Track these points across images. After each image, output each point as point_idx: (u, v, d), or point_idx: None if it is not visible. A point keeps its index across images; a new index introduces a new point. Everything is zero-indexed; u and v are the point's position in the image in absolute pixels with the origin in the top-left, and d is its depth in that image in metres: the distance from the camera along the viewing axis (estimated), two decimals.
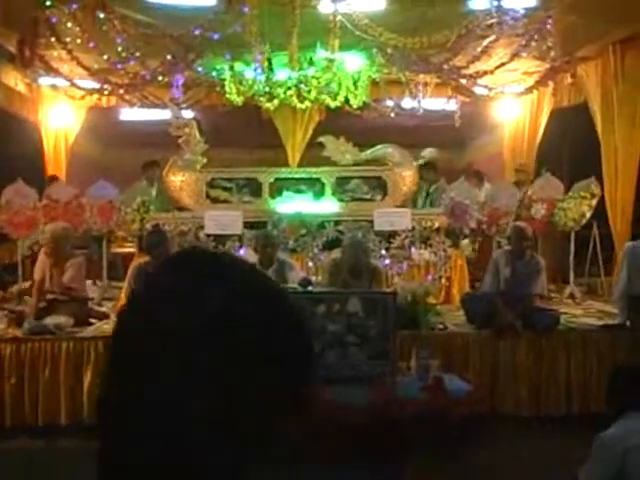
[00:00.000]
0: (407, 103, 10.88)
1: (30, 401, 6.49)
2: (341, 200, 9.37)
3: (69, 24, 8.25)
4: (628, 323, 6.89)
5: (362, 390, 5.35)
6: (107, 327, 7.15)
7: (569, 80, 9.99)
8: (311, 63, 9.77)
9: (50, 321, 6.80)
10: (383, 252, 8.55)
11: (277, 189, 9.42)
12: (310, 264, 8.53)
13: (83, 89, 10.10)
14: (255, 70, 9.57)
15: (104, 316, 7.49)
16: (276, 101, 10.06)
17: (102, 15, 8.16)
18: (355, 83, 10.37)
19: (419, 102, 10.68)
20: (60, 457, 5.92)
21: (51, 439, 6.30)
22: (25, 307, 7.45)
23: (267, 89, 9.95)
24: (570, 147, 11.75)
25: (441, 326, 6.97)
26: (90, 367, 6.53)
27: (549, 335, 6.77)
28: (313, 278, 7.74)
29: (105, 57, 8.91)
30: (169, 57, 9.17)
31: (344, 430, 4.83)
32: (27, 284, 8.15)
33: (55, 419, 6.48)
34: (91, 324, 7.24)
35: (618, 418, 3.33)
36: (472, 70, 9.46)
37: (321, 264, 8.37)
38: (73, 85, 9.95)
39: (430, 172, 10.57)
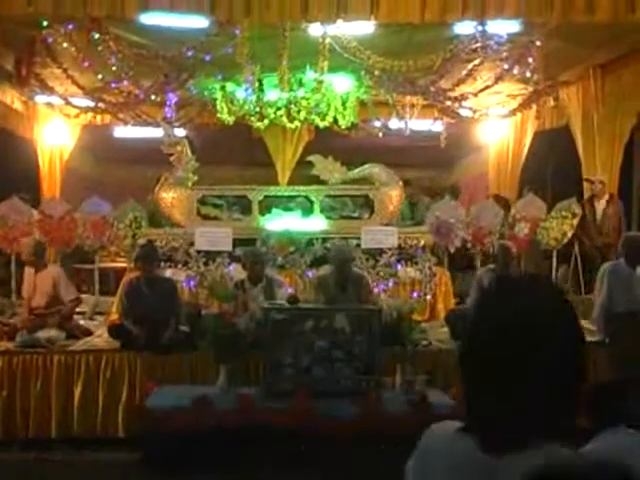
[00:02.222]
0: (394, 124, 10.92)
1: (21, 414, 6.46)
2: (329, 218, 9.37)
3: (65, 44, 8.26)
4: (607, 340, 6.92)
5: (348, 405, 5.35)
6: (97, 341, 7.15)
7: (552, 103, 10.06)
8: (301, 84, 9.79)
9: (42, 334, 6.79)
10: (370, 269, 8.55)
11: (267, 207, 9.41)
12: (298, 281, 8.53)
13: (78, 107, 10.11)
14: (246, 90, 9.60)
15: (88, 332, 7.44)
16: (266, 121, 10.07)
17: (97, 36, 8.17)
18: (344, 104, 10.40)
19: (406, 123, 10.72)
20: (51, 470, 5.88)
21: (42, 452, 6.24)
22: (18, 320, 7.43)
23: (258, 109, 9.96)
24: (553, 168, 11.83)
25: (425, 342, 6.97)
26: (81, 380, 6.52)
27: None
28: (301, 295, 7.74)
29: (100, 76, 8.93)
30: (162, 77, 9.19)
31: None
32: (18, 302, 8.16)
33: (46, 432, 6.44)
34: (78, 338, 7.20)
35: (597, 434, 3.33)
36: (457, 92, 9.52)
37: (309, 280, 8.37)
38: (68, 103, 9.97)
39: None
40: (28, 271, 7.52)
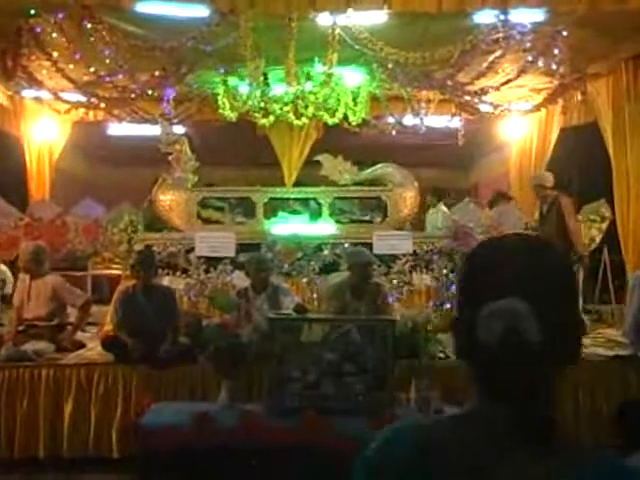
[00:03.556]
0: (409, 120, 10.94)
1: (6, 433, 6.45)
2: (339, 222, 9.38)
3: (54, 34, 8.26)
4: None
5: (359, 422, 5.35)
6: (90, 354, 7.15)
7: (579, 97, 10.05)
8: (309, 78, 9.82)
9: (29, 347, 6.80)
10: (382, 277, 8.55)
11: (272, 209, 9.43)
12: (306, 289, 8.54)
13: (69, 102, 10.13)
14: (250, 85, 9.62)
15: (79, 345, 7.44)
16: (272, 117, 10.10)
17: (89, 25, 8.17)
18: (354, 99, 10.43)
19: (421, 119, 10.74)
20: None
21: (29, 474, 6.24)
22: (3, 331, 7.46)
23: (262, 105, 10.00)
24: (580, 167, 11.80)
25: (442, 355, 6.95)
26: (71, 396, 6.51)
27: None
28: (309, 304, 7.74)
29: (92, 69, 8.92)
30: (160, 70, 9.21)
31: None
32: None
33: (33, 452, 6.43)
34: (69, 350, 7.20)
35: (632, 453, 3.32)
36: (477, 87, 9.50)
37: (318, 289, 8.38)
38: (58, 98, 9.97)
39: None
40: (22, 277, 7.52)
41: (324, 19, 8.30)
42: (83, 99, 9.90)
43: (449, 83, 9.34)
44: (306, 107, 9.98)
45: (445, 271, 8.73)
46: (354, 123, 10.63)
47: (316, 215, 9.42)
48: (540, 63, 8.92)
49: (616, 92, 9.68)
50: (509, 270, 1.39)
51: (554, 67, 8.97)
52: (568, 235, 8.77)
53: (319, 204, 9.45)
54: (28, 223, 8.73)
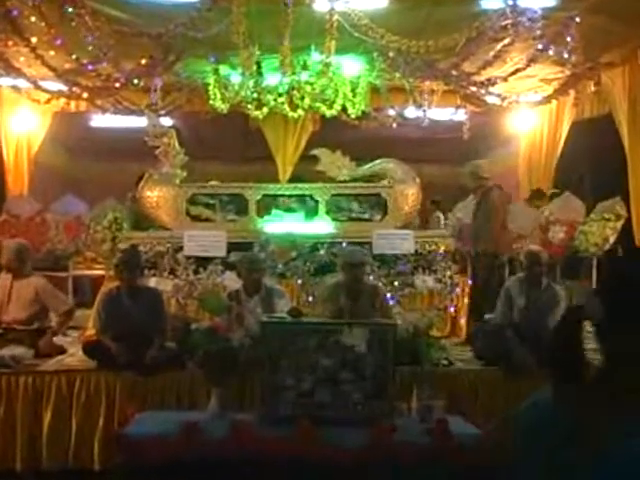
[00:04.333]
0: (411, 113, 10.96)
1: None
2: (336, 220, 9.37)
3: (33, 18, 8.22)
4: None
5: (357, 433, 5.34)
6: (71, 360, 7.13)
7: (592, 88, 10.06)
8: (305, 67, 9.82)
9: (7, 352, 6.76)
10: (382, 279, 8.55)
11: (265, 207, 9.42)
12: (301, 291, 8.53)
13: (49, 92, 10.13)
14: (242, 74, 9.61)
15: (59, 350, 7.40)
16: (265, 109, 10.11)
17: (71, 9, 8.13)
18: (353, 90, 10.44)
19: (424, 112, 10.76)
20: None
21: None
22: None
23: (255, 95, 10.00)
24: (593, 163, 11.81)
25: (446, 362, 6.95)
26: (51, 405, 6.46)
27: None
28: (304, 307, 7.73)
29: (74, 56, 8.89)
30: (146, 58, 9.20)
31: None
32: None
33: (10, 464, 6.38)
34: (48, 356, 7.15)
35: None
36: (484, 77, 9.51)
37: (313, 291, 8.37)
38: (37, 87, 9.97)
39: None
40: (4, 277, 7.47)
41: (321, 4, 8.30)
42: (64, 88, 9.89)
43: (454, 73, 9.35)
44: (302, 98, 9.99)
45: (449, 273, 8.72)
46: (353, 115, 10.64)
47: (312, 213, 9.42)
48: (551, 52, 8.91)
49: (632, 82, 9.68)
50: None
51: (566, 56, 8.96)
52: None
53: (315, 201, 9.44)
54: (5, 220, 8.72)
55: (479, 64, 9.22)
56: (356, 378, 5.68)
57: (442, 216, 11.77)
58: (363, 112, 10.78)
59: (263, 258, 8.14)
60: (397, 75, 9.93)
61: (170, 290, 8.34)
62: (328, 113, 10.33)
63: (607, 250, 9.03)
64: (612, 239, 9.01)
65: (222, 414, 5.76)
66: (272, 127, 10.63)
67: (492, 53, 9.01)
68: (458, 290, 8.72)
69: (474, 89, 9.86)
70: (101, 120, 12.29)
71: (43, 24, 8.28)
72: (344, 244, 8.73)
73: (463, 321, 8.64)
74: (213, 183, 9.91)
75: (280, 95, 9.98)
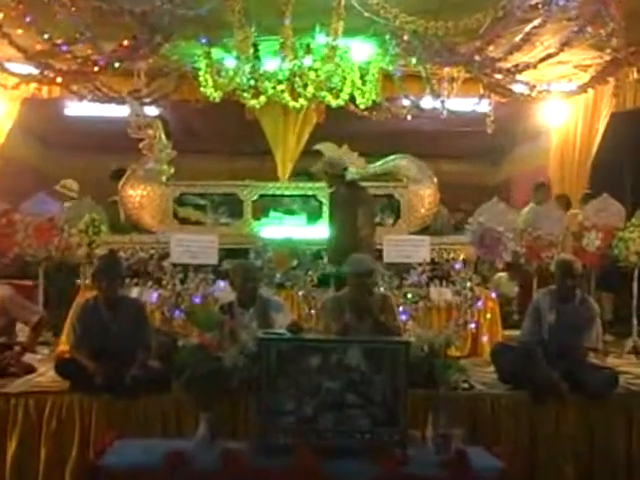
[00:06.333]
0: (428, 103, 10.98)
1: None
2: None
3: None
4: None
5: (364, 464, 5.36)
6: (41, 380, 7.11)
7: (635, 76, 10.05)
8: (308, 51, 9.86)
9: None
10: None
11: (262, 209, 9.46)
12: (302, 304, 8.55)
13: (17, 75, 10.13)
14: (237, 58, 9.63)
15: (28, 369, 7.37)
16: (263, 98, 10.14)
17: None
18: (363, 77, 10.47)
19: (443, 102, 10.78)
20: None
21: None
22: None
23: (252, 82, 10.02)
24: (635, 161, 11.82)
25: (466, 385, 6.96)
26: (17, 432, 6.41)
27: (603, 399, 6.74)
28: (305, 322, 7.76)
29: (46, 36, 8.84)
30: (128, 39, 9.20)
31: None
32: None
33: None
34: (15, 375, 7.12)
35: None
36: (510, 63, 9.51)
37: (315, 304, 8.39)
38: (4, 70, 9.97)
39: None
40: None
41: None
42: (35, 72, 9.88)
43: (477, 58, 9.34)
44: (305, 86, 10.01)
45: (469, 284, 8.73)
46: (362, 106, 10.67)
47: (315, 216, 9.45)
48: (588, 34, 8.87)
49: None
50: None
51: (605, 39, 8.94)
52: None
53: (319, 202, 9.47)
54: None
55: (505, 48, 9.20)
56: (363, 402, 5.70)
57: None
58: (374, 102, 10.80)
59: (260, 266, 8.17)
60: (412, 61, 9.96)
61: (154, 302, 8.36)
62: (334, 103, 10.35)
63: None
64: None
65: (212, 442, 5.78)
66: (271, 118, 10.65)
67: (520, 36, 8.98)
68: (480, 304, 8.72)
69: (499, 77, 9.87)
70: (77, 108, 12.33)
71: None
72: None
73: (485, 339, 8.65)
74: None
75: (280, 82, 10.00)
